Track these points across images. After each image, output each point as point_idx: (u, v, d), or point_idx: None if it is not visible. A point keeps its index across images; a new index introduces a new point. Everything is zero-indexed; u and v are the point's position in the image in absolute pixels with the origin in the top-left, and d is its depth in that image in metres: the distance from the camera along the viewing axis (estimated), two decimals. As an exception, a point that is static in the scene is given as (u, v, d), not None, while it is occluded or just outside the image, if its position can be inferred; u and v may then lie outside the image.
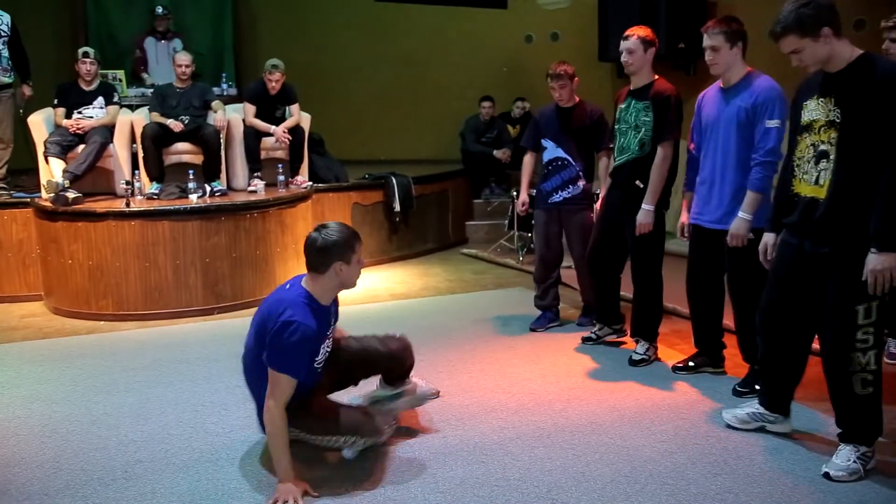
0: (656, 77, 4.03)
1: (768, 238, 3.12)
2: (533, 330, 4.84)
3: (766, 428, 3.25)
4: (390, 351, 3.29)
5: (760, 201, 3.46)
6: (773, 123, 3.41)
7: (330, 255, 2.85)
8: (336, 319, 3.12)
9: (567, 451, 3.14)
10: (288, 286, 2.99)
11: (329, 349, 3.07)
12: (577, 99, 4.68)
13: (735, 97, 3.52)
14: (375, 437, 3.12)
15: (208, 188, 5.83)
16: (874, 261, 2.68)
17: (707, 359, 3.98)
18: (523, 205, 4.99)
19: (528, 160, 4.92)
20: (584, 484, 2.87)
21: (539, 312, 4.94)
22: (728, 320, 3.85)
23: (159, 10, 8.05)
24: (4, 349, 4.65)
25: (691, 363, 4.00)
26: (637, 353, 4.20)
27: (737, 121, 3.50)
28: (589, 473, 2.95)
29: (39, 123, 5.91)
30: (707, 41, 3.54)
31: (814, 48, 2.76)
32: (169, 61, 7.84)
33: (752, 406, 3.31)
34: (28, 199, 5.71)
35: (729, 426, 3.31)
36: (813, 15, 2.73)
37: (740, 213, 3.47)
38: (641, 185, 4.02)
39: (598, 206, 4.40)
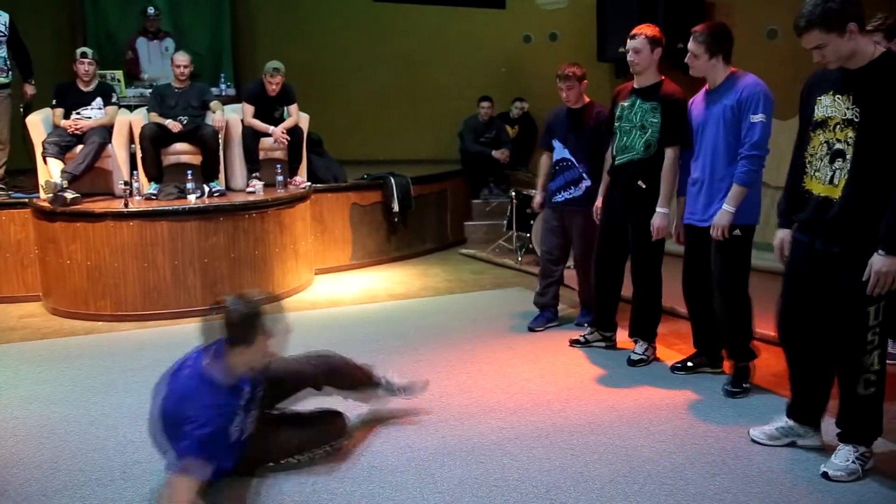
0: (663, 77, 3.99)
1: (783, 234, 3.07)
2: (531, 329, 4.84)
3: (797, 443, 3.14)
4: (318, 369, 3.21)
5: (745, 196, 3.49)
6: (757, 118, 3.44)
7: (255, 326, 2.68)
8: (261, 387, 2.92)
9: (566, 452, 3.14)
10: (186, 370, 2.77)
11: (251, 418, 2.87)
12: (587, 100, 4.67)
13: (721, 97, 3.57)
14: (342, 439, 3.10)
15: (207, 188, 5.83)
16: (879, 262, 2.66)
17: (706, 359, 3.98)
18: (538, 206, 5.03)
19: (544, 160, 4.92)
20: (582, 484, 2.88)
21: (538, 311, 4.95)
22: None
23: (150, 10, 8.04)
24: (2, 350, 4.64)
25: (690, 363, 4.00)
26: (636, 353, 4.20)
27: (723, 119, 3.53)
28: (587, 473, 2.95)
29: (38, 124, 5.90)
30: (690, 44, 3.59)
31: (838, 44, 2.67)
32: (161, 61, 7.87)
33: (781, 420, 3.20)
34: (26, 200, 5.71)
35: (756, 442, 3.20)
36: (839, 10, 2.63)
37: (724, 205, 3.50)
38: (644, 186, 4.00)
39: (598, 204, 4.39)
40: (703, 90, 3.73)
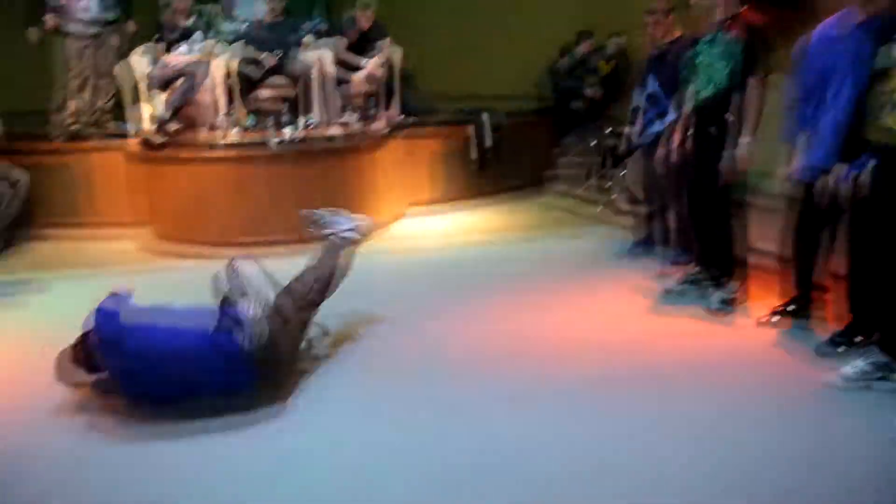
0: (744, 8, 3.94)
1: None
2: (625, 255, 5.05)
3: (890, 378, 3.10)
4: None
5: None
6: None
7: None
8: None
9: (652, 397, 3.14)
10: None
11: None
12: (677, 34, 4.64)
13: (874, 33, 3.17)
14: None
15: (301, 122, 5.93)
16: None
17: (798, 309, 3.79)
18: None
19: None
20: (671, 429, 2.89)
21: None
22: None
23: None
24: (109, 277, 4.85)
25: (779, 315, 3.81)
26: (721, 296, 4.07)
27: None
28: (677, 419, 2.96)
29: (139, 59, 6.09)
30: None
31: None
32: (253, -2, 7.89)
33: (872, 356, 3.16)
34: (133, 131, 5.95)
35: (846, 380, 3.14)
36: None
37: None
38: (731, 118, 3.92)
39: (675, 143, 4.28)
40: (832, 25, 3.40)
